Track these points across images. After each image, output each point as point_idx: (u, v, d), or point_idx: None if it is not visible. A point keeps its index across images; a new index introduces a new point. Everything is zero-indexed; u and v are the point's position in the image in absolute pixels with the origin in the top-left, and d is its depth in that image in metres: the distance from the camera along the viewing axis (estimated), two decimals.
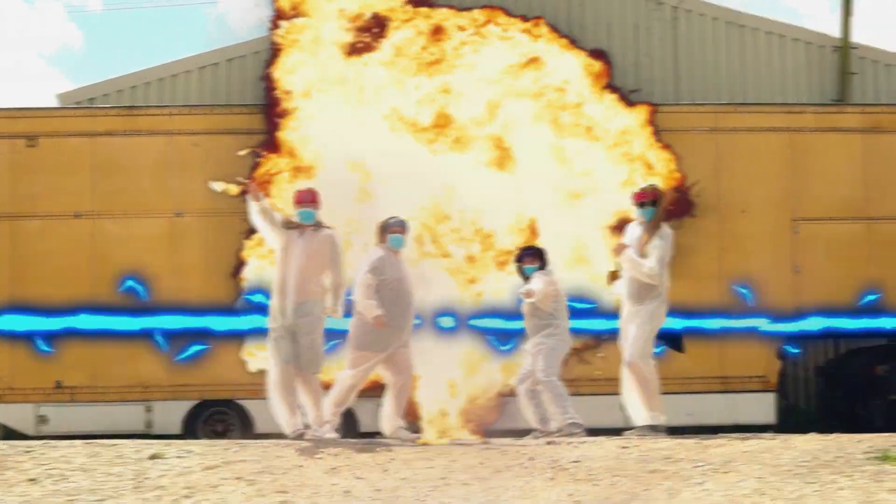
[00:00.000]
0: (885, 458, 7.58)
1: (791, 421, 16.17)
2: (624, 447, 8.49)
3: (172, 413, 13.71)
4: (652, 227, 10.13)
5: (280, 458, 8.26)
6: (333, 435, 9.62)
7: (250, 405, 13.34)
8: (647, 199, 10.27)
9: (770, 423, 13.87)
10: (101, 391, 13.63)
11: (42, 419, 13.63)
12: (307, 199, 9.98)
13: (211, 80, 17.21)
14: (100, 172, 13.92)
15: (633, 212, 10.46)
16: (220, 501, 6.82)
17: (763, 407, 13.87)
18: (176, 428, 13.68)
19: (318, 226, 9.99)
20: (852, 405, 14.88)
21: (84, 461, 8.06)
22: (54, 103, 16.90)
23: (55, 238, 13.79)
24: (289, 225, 9.96)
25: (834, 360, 16.11)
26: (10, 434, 14.37)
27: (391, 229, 10.14)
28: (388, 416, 9.98)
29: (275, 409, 9.79)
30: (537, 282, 10.54)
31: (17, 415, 13.72)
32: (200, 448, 8.58)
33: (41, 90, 48.75)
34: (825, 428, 16.02)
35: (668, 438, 8.70)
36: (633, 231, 10.30)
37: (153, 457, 8.16)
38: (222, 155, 13.25)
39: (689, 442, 8.76)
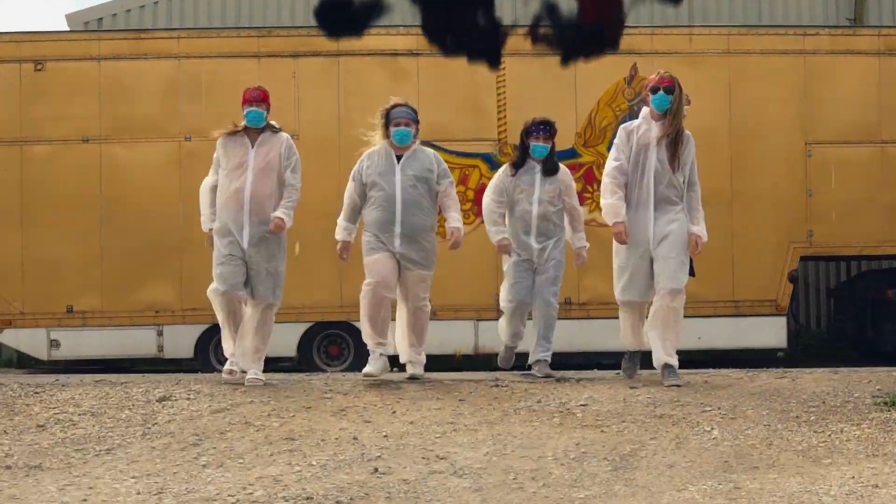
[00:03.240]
0: (892, 403, 7.57)
1: (802, 342, 16.28)
2: (633, 388, 8.50)
3: (183, 337, 13.75)
4: (670, 123, 8.74)
5: (288, 399, 8.28)
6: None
7: None
8: (666, 84, 8.79)
9: (781, 347, 13.87)
10: (112, 315, 13.66)
11: (54, 344, 13.68)
12: (256, 97, 9.06)
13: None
14: (108, 97, 13.80)
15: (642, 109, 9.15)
16: (228, 450, 6.82)
17: (774, 331, 13.82)
18: (187, 352, 13.77)
19: (270, 129, 9.16)
20: (862, 328, 14.87)
21: (93, 404, 8.08)
22: (64, 24, 16.75)
23: (64, 163, 13.71)
24: (235, 131, 9.09)
25: (845, 283, 16.08)
26: (22, 358, 14.51)
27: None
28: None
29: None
30: (566, 178, 9.75)
31: (29, 340, 13.77)
32: (209, 388, 8.60)
33: (50, 10, 48.48)
34: (835, 350, 16.22)
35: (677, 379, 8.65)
36: (641, 129, 8.91)
37: (161, 399, 8.18)
38: (230, 79, 13.24)
39: (697, 381, 8.76)
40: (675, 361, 8.74)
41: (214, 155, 9.25)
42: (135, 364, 14.62)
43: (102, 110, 13.77)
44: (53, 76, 13.82)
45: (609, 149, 13.88)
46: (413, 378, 9.27)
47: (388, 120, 9.23)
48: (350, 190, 9.32)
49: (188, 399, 8.17)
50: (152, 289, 13.76)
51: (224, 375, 9.09)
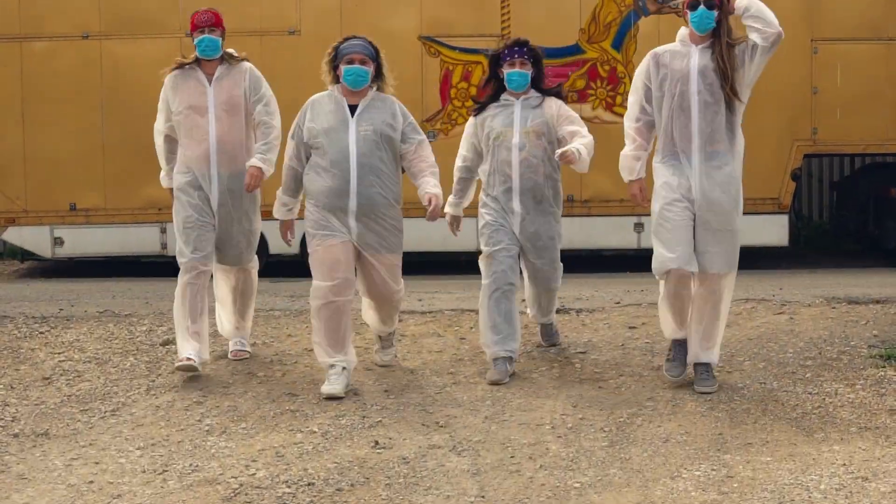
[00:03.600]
0: (888, 356, 7.65)
1: (804, 235, 16.33)
2: (632, 328, 8.58)
3: None
4: (720, 51, 6.81)
5: (291, 338, 8.39)
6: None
7: None
8: None
9: (783, 245, 13.90)
10: (114, 213, 13.69)
11: (58, 241, 13.74)
12: (206, 20, 7.58)
13: None
14: None
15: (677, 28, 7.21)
16: (232, 410, 6.93)
17: (776, 229, 13.81)
18: None
19: (228, 59, 7.69)
20: (865, 224, 14.90)
21: (97, 349, 8.21)
22: None
23: (64, 59, 13.59)
24: (184, 64, 7.67)
25: (848, 178, 16.05)
26: (27, 254, 14.58)
27: None
28: None
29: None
30: (566, 115, 7.56)
31: (33, 237, 13.84)
32: (210, 326, 8.66)
33: None
34: (837, 243, 16.27)
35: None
36: (676, 56, 7.00)
37: (165, 343, 8.28)
38: None
39: None
40: (711, 358, 7.17)
41: (162, 95, 7.73)
42: (138, 259, 14.67)
43: (102, 6, 13.59)
44: None
45: (615, 45, 13.94)
46: (384, 365, 7.87)
47: (337, 58, 7.24)
48: (290, 152, 7.39)
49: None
50: (155, 186, 13.58)
51: (177, 366, 7.53)
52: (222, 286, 8.03)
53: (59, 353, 8.11)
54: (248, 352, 8.07)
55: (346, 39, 7.29)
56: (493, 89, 7.69)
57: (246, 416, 6.84)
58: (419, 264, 12.39)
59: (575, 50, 13.82)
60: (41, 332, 8.58)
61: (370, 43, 7.29)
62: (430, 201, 7.08)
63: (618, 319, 8.95)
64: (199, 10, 7.63)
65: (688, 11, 6.88)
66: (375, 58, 7.27)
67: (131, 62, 13.53)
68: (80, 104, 13.53)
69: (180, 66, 7.67)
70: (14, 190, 13.68)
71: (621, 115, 13.51)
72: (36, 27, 13.61)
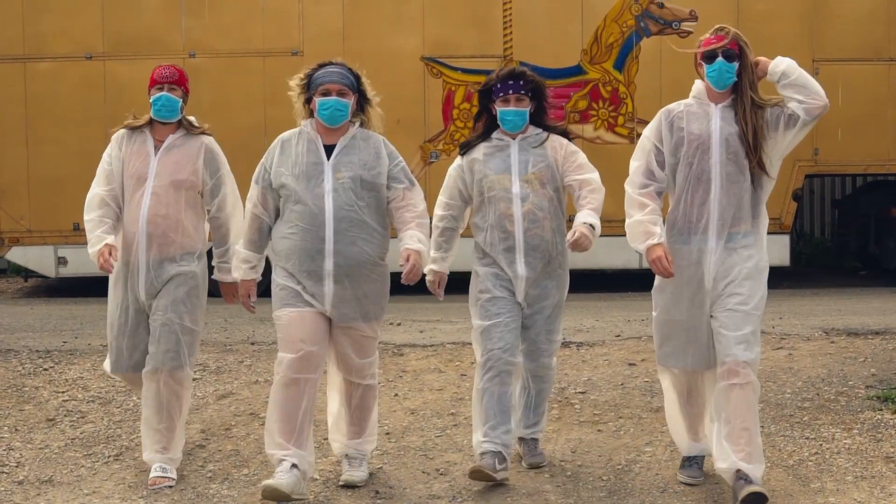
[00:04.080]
0: (885, 398, 7.70)
1: (805, 254, 16.39)
2: (632, 364, 8.64)
3: None
4: (743, 110, 5.77)
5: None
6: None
7: None
8: (726, 47, 5.79)
9: (784, 265, 13.95)
10: None
11: (61, 261, 13.82)
12: (167, 76, 6.41)
13: None
14: (110, 12, 13.71)
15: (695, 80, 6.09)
16: (234, 454, 7.00)
17: (778, 249, 13.85)
18: None
19: (186, 127, 6.50)
20: (866, 244, 14.96)
21: (100, 387, 8.26)
22: None
23: (67, 80, 13.72)
24: (135, 126, 6.48)
25: (849, 196, 16.11)
26: (30, 273, 14.63)
27: None
28: None
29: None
30: (574, 159, 6.35)
31: (36, 257, 13.96)
32: (214, 359, 8.75)
33: None
34: (839, 262, 16.33)
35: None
36: (692, 115, 5.94)
37: None
38: None
39: None
40: (754, 470, 5.72)
41: (104, 157, 6.58)
42: None
43: (105, 27, 13.68)
44: None
45: (616, 66, 13.98)
46: (349, 486, 6.35)
47: (310, 87, 6.08)
48: (253, 198, 6.15)
49: (193, 379, 8.27)
50: None
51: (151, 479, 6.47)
52: (146, 395, 6.49)
53: (62, 392, 8.17)
54: (172, 479, 6.45)
55: (321, 66, 6.07)
56: (485, 126, 6.46)
57: (248, 460, 6.90)
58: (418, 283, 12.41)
59: (577, 71, 13.90)
60: (45, 369, 8.65)
61: (350, 69, 6.10)
62: (408, 258, 5.94)
63: (618, 355, 9.01)
64: (161, 65, 6.57)
65: (703, 64, 5.86)
66: (357, 87, 6.11)
67: (135, 83, 13.43)
68: (84, 124, 13.61)
69: (129, 128, 6.51)
70: (18, 210, 13.80)
71: (623, 136, 13.85)
72: (40, 48, 13.74)
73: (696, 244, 5.89)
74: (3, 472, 6.67)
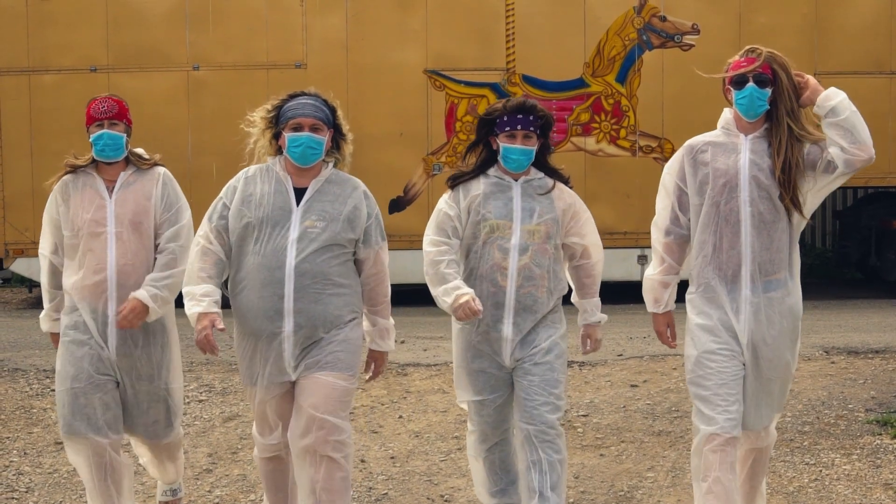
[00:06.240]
0: (884, 422, 7.78)
1: (807, 264, 16.46)
2: (634, 385, 8.71)
3: None
4: (779, 144, 4.97)
5: None
6: None
7: None
8: (758, 71, 5.02)
9: None
10: None
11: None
12: (106, 111, 5.67)
13: None
14: (114, 25, 13.80)
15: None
16: (241, 479, 7.07)
17: None
18: None
19: (136, 161, 5.75)
20: (867, 255, 15.05)
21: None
22: None
23: (72, 93, 13.75)
24: (77, 168, 5.71)
25: (850, 208, 16.19)
26: (35, 284, 14.70)
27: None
28: None
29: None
30: (581, 217, 5.66)
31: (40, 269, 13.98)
32: (220, 379, 8.81)
33: None
34: (840, 272, 16.41)
35: None
36: (718, 151, 5.18)
37: None
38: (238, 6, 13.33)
39: None
40: None
41: (47, 209, 5.78)
42: None
43: (110, 40, 13.76)
44: (60, 5, 13.79)
45: (619, 79, 14.05)
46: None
47: (280, 120, 5.24)
48: (203, 237, 5.26)
49: (200, 401, 8.40)
50: None
51: None
52: (139, 449, 6.03)
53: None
54: (180, 499, 6.29)
55: (293, 96, 5.25)
56: (482, 160, 5.62)
57: (255, 485, 6.98)
58: (418, 293, 12.50)
59: (579, 83, 13.98)
60: (52, 390, 8.67)
61: (325, 101, 5.27)
62: (373, 361, 5.48)
63: (620, 376, 9.08)
64: (96, 98, 5.80)
65: (731, 90, 5.12)
66: (332, 122, 5.28)
67: (139, 95, 13.64)
68: (88, 137, 13.64)
69: (72, 169, 5.72)
70: (23, 222, 13.87)
71: (625, 149, 13.93)
72: (44, 60, 13.83)
73: (728, 292, 5.17)
74: (13, 499, 6.74)
